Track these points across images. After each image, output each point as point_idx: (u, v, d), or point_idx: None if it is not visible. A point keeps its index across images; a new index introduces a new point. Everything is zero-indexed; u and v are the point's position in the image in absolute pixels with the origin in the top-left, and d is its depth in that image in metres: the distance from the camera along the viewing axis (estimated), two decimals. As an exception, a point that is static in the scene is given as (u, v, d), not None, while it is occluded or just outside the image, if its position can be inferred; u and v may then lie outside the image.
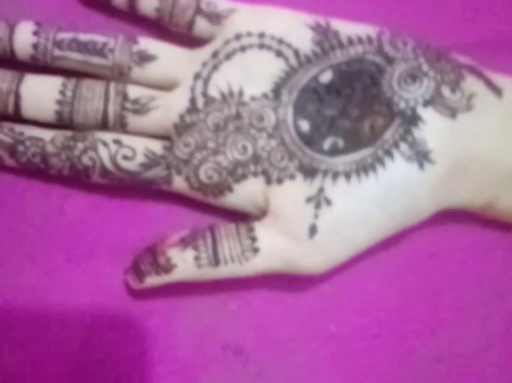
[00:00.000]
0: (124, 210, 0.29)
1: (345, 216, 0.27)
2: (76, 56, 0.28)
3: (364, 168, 0.27)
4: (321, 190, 0.27)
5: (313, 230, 0.27)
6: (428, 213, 0.28)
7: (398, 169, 0.27)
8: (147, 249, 0.28)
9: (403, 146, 0.27)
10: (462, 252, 0.30)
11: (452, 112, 0.27)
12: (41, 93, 0.28)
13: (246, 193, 0.28)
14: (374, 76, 0.28)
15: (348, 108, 0.28)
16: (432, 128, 0.27)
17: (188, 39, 0.30)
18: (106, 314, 0.28)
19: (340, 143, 0.27)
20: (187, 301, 0.29)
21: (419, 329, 0.29)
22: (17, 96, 0.28)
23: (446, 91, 0.27)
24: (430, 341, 0.29)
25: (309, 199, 0.27)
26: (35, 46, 0.28)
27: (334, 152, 0.27)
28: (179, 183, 0.28)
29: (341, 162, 0.27)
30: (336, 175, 0.27)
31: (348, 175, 0.27)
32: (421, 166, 0.27)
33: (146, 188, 0.29)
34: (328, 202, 0.27)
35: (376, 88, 0.28)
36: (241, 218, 0.29)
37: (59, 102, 0.28)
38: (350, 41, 0.28)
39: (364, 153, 0.27)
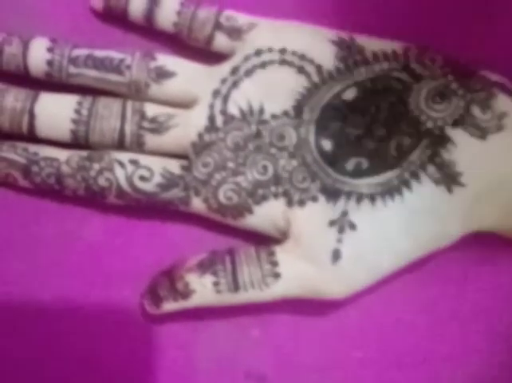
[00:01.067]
0: (140, 231, 0.28)
1: (370, 241, 0.26)
2: (92, 73, 0.28)
3: (389, 191, 0.26)
4: (345, 213, 0.26)
5: (336, 256, 0.26)
6: (456, 237, 0.27)
7: (425, 193, 0.26)
8: (165, 273, 0.27)
9: (431, 168, 0.26)
10: (492, 276, 0.29)
11: (482, 133, 0.26)
12: (56, 112, 0.27)
13: (266, 215, 0.27)
14: (400, 94, 0.27)
15: (372, 128, 0.27)
16: (461, 149, 0.26)
17: (207, 55, 0.29)
18: (124, 341, 0.27)
19: (365, 163, 0.26)
20: (206, 327, 0.28)
21: (449, 356, 0.28)
22: (32, 116, 0.27)
23: (476, 110, 0.26)
24: (460, 368, 0.28)
25: (332, 223, 0.26)
26: (50, 63, 0.28)
27: (358, 173, 0.26)
28: (197, 205, 0.27)
29: (366, 184, 0.26)
30: (360, 198, 0.26)
31: (372, 198, 0.26)
32: (449, 189, 0.26)
33: (163, 209, 0.28)
34: (352, 226, 0.26)
35: (402, 107, 0.27)
36: (261, 238, 0.28)
37: (74, 121, 0.27)
38: (375, 57, 0.27)
39: (390, 175, 0.26)
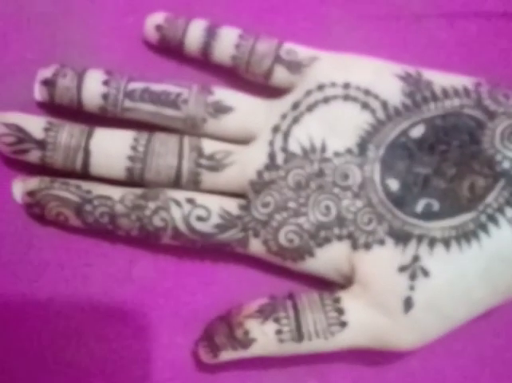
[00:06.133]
0: (193, 274, 0.27)
1: (445, 290, 0.24)
2: (148, 107, 0.26)
3: (465, 235, 0.24)
4: (416, 258, 0.24)
5: (408, 304, 0.24)
6: (536, 284, 0.25)
7: (504, 237, 0.24)
8: (222, 319, 0.25)
9: (510, 211, 0.24)
10: None
11: None
12: (112, 149, 0.26)
13: (329, 258, 0.25)
14: (473, 132, 0.25)
15: (443, 167, 0.25)
16: (542, 191, 0.25)
17: (260, 88, 0.28)
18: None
19: (436, 205, 0.25)
20: (258, 376, 0.26)
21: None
22: (87, 153, 0.26)
23: (556, 149, 0.25)
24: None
25: (402, 269, 0.24)
26: (105, 97, 0.26)
27: (429, 215, 0.25)
28: (255, 247, 0.26)
29: (438, 227, 0.24)
30: (433, 242, 0.24)
31: (447, 243, 0.24)
32: (531, 234, 0.24)
33: (217, 251, 0.26)
34: (426, 273, 0.24)
35: (475, 146, 0.25)
36: (322, 284, 0.26)
37: (131, 158, 0.26)
38: (445, 93, 0.26)
39: (465, 218, 0.24)
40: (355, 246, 0.25)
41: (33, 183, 0.26)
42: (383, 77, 0.26)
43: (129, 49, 0.29)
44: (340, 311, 0.24)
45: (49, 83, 0.27)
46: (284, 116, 0.26)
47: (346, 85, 0.26)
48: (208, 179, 0.26)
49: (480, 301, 0.24)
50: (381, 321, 0.24)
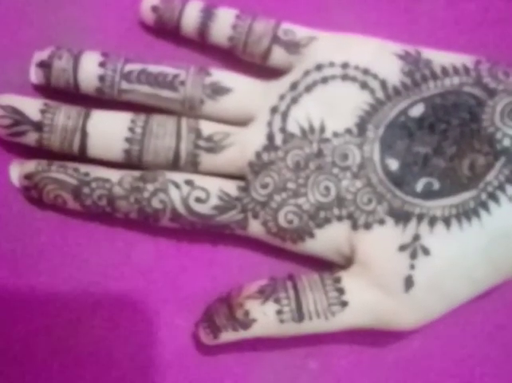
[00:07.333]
0: (193, 256, 0.27)
1: (446, 268, 0.24)
2: (145, 89, 0.26)
3: (465, 214, 0.24)
4: (417, 237, 0.24)
5: (409, 283, 0.24)
6: (537, 262, 0.25)
7: (505, 215, 0.24)
8: (222, 300, 0.25)
9: (511, 189, 0.24)
10: None
11: None
12: (109, 131, 0.26)
13: (328, 239, 0.25)
14: (473, 110, 0.25)
15: (443, 146, 0.25)
16: (543, 168, 0.25)
17: (257, 69, 0.28)
18: (174, 373, 0.26)
19: (436, 184, 0.25)
20: (261, 358, 0.26)
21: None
22: (84, 134, 0.26)
23: (556, 127, 0.25)
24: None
25: (402, 248, 0.24)
26: (102, 78, 0.26)
27: (429, 194, 0.25)
28: (255, 228, 0.26)
29: (438, 206, 0.24)
30: (433, 221, 0.24)
31: (447, 222, 0.24)
32: (531, 211, 0.24)
33: (217, 233, 0.26)
34: (426, 251, 0.24)
35: (475, 124, 0.25)
36: (322, 266, 0.26)
37: (128, 140, 0.26)
38: (444, 72, 0.26)
39: (465, 196, 0.24)
40: (355, 226, 0.25)
41: (31, 166, 0.26)
42: (382, 57, 0.26)
43: (125, 31, 0.28)
44: (341, 291, 0.24)
45: (44, 65, 0.26)
46: (282, 97, 0.26)
47: (345, 65, 0.26)
48: (207, 160, 0.26)
49: (481, 279, 0.24)
50: (382, 301, 0.24)
